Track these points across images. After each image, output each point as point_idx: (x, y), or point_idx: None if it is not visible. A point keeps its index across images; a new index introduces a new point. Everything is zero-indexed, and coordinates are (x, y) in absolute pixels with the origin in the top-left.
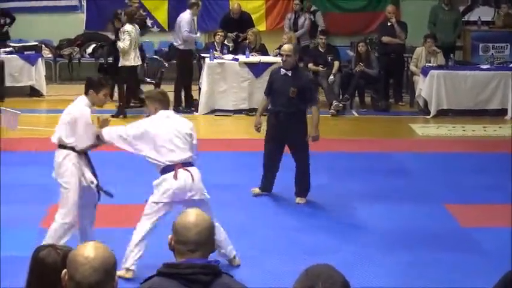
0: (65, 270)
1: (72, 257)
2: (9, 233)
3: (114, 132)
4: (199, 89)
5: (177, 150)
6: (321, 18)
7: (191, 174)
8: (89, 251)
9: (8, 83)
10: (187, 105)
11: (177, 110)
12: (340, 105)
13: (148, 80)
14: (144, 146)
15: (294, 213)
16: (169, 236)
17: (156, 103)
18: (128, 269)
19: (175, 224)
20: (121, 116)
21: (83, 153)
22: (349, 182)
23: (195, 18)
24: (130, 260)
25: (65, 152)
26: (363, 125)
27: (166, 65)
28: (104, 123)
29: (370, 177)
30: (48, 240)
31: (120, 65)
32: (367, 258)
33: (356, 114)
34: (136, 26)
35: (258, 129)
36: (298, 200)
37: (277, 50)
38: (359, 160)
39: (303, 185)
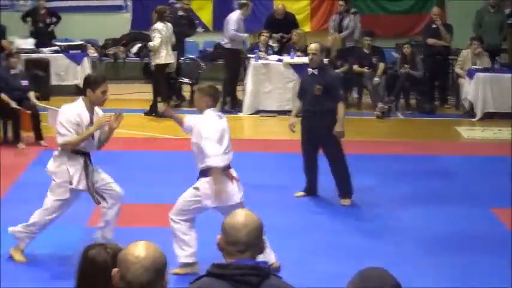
0: (116, 269)
1: (123, 256)
2: (55, 231)
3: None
4: (244, 89)
5: (230, 153)
6: (359, 21)
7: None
8: (139, 250)
9: (54, 81)
10: (232, 105)
11: (222, 109)
12: (385, 107)
13: (185, 80)
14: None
15: (338, 215)
16: (218, 236)
17: (207, 97)
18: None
19: (225, 224)
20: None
21: (79, 155)
22: (394, 184)
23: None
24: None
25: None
26: (408, 127)
27: (204, 65)
28: (114, 119)
29: (415, 180)
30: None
31: (152, 63)
32: (411, 261)
33: (401, 116)
34: (168, 24)
35: (292, 130)
36: (342, 201)
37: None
38: (404, 162)
39: (343, 186)
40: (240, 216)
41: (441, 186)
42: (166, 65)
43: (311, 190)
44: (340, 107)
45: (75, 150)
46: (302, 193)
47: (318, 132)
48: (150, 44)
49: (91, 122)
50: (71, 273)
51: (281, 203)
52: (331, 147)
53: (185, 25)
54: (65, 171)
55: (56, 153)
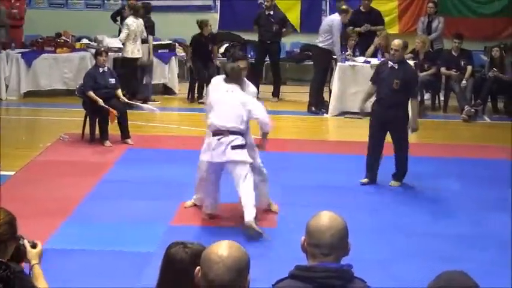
0: (198, 267)
1: (206, 255)
2: (141, 228)
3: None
4: (330, 90)
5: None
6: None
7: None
8: (222, 249)
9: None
10: (317, 106)
11: (309, 110)
12: (472, 110)
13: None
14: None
15: (421, 218)
16: (302, 238)
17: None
18: None
19: (309, 226)
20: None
21: None
22: (480, 189)
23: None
24: None
25: None
26: (495, 132)
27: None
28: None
29: (501, 185)
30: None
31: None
32: (495, 267)
33: (488, 120)
34: (140, 20)
35: (362, 115)
36: (392, 183)
37: (410, 55)
38: (490, 167)
39: (401, 171)
40: (325, 218)
41: None
42: (133, 60)
43: (373, 176)
44: (414, 104)
45: None
46: (366, 180)
47: (390, 122)
48: (119, 38)
49: None
50: (154, 270)
51: (366, 205)
52: (401, 135)
53: (274, 24)
54: None
55: None
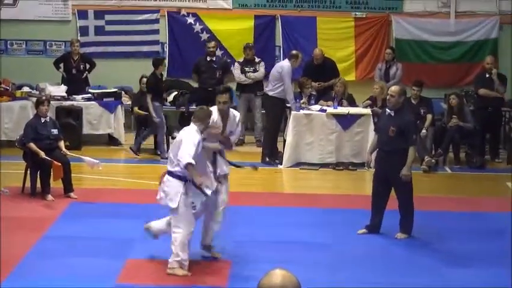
0: None
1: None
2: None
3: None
4: (284, 140)
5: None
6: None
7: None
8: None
9: (86, 130)
10: (271, 157)
11: (263, 160)
12: (433, 161)
13: None
14: None
15: (380, 271)
16: None
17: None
18: None
19: (260, 286)
20: None
21: None
22: (441, 242)
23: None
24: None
25: None
26: (456, 183)
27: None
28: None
29: (463, 238)
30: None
31: None
32: None
33: (449, 171)
34: None
35: (368, 166)
36: (399, 235)
37: (368, 101)
38: (452, 220)
39: (406, 222)
40: (276, 277)
41: (492, 246)
42: None
43: (374, 228)
44: (411, 152)
45: None
46: (364, 230)
47: (390, 171)
48: None
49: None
50: None
51: (322, 261)
52: (401, 185)
53: (217, 70)
54: None
55: None
